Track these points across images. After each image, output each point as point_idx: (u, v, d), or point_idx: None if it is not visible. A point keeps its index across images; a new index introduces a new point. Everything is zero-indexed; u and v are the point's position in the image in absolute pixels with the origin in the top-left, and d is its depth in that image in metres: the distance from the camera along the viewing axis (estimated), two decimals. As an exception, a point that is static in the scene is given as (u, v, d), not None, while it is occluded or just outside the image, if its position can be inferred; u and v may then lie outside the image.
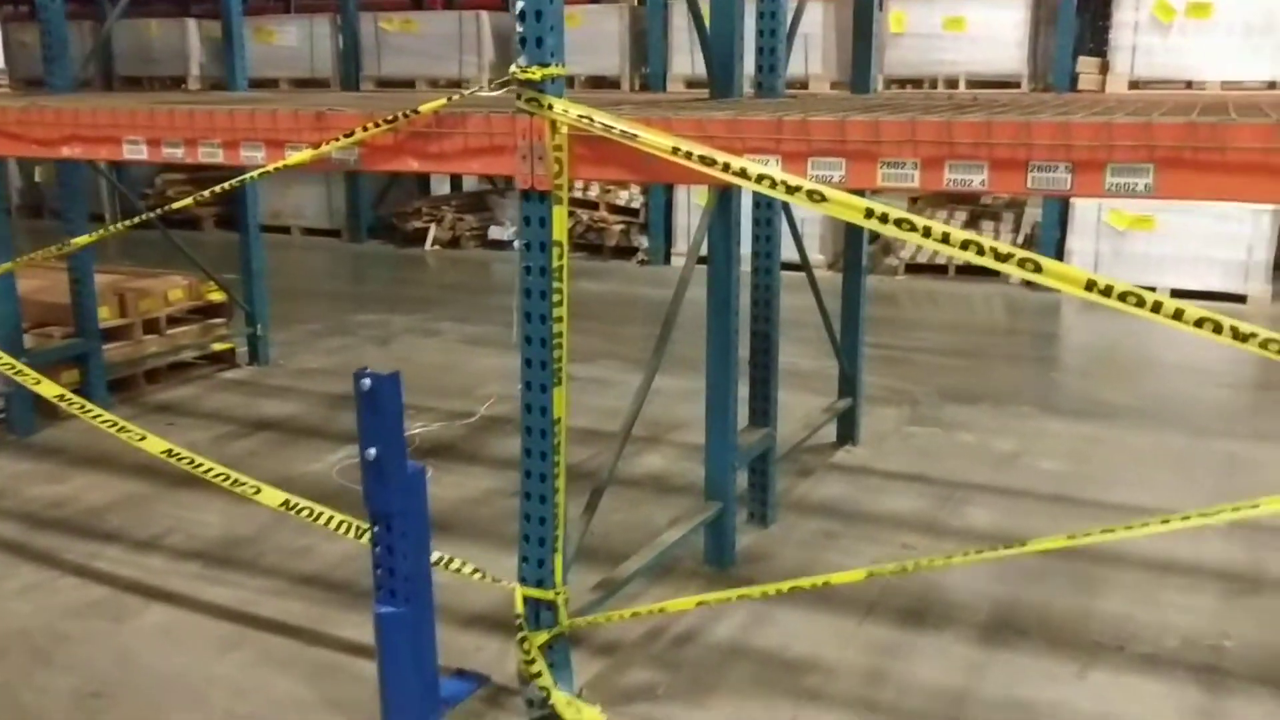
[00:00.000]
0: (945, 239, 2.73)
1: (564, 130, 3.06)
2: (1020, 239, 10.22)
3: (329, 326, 8.77)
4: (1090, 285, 2.57)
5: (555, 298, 3.15)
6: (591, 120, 3.01)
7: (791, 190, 2.82)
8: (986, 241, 2.72)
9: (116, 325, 6.72)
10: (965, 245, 2.72)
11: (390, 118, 3.29)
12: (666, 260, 11.32)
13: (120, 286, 6.88)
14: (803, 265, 5.42)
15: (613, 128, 3.00)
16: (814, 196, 2.80)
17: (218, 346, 7.43)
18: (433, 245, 12.49)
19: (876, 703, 3.51)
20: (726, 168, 2.88)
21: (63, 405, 4.12)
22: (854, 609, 4.06)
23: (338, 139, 3.38)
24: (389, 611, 3.26)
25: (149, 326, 6.93)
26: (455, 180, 14.79)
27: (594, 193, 11.63)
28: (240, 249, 7.54)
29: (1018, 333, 8.84)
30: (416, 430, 6.10)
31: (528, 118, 3.08)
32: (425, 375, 7.31)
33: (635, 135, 2.98)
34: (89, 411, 4.05)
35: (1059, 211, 9.91)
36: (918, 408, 6.53)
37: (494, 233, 12.40)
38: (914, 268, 10.59)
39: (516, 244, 11.78)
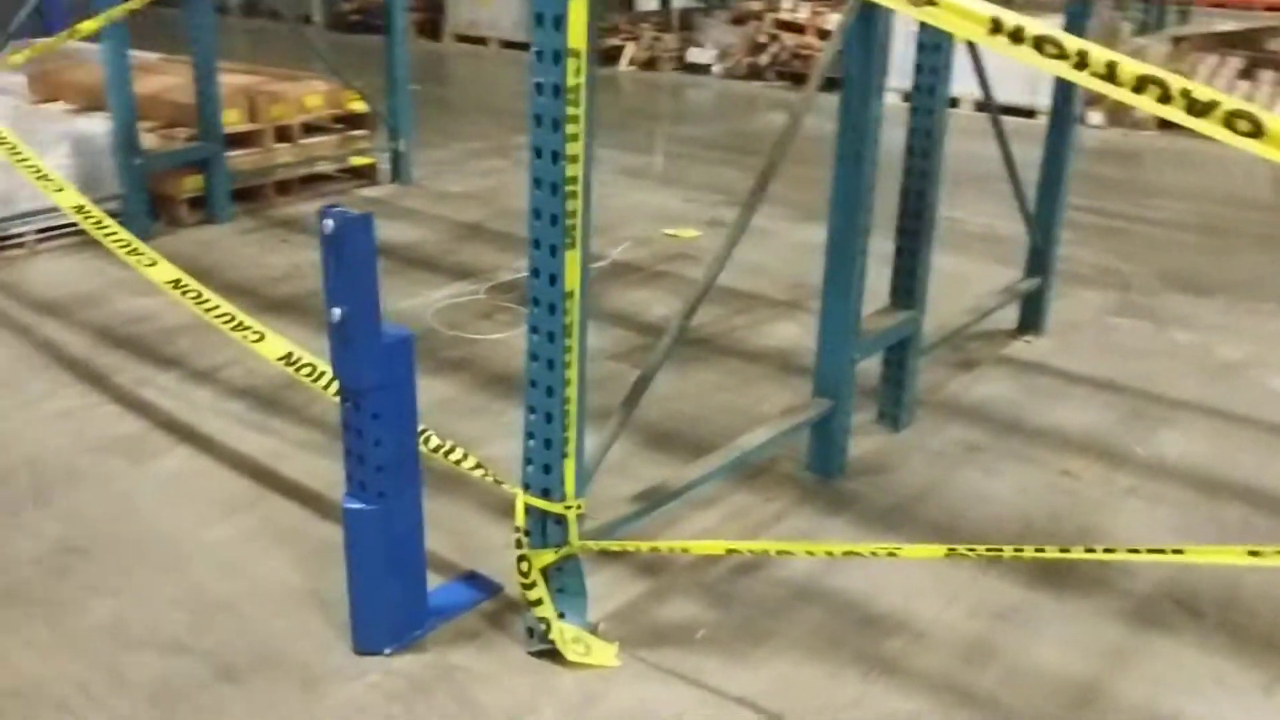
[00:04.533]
0: (1111, 74, 1.77)
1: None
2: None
3: (489, 146, 8.17)
4: (1335, 162, 1.57)
5: (570, 129, 2.35)
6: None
7: (882, -13, 1.89)
8: (1177, 83, 1.75)
9: (245, 131, 6.30)
10: (1140, 85, 1.75)
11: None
12: (877, 95, 10.09)
13: (253, 90, 6.43)
14: (985, 104, 4.35)
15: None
16: (913, -2, 1.87)
17: (356, 161, 6.95)
18: (628, 65, 11.62)
19: (970, 690, 2.68)
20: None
21: (77, 218, 3.66)
22: (976, 553, 3.20)
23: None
24: (357, 508, 2.66)
25: (281, 134, 6.48)
26: (665, -4, 13.72)
27: (803, 15, 10.43)
28: (385, 56, 6.94)
29: (1282, 209, 7.35)
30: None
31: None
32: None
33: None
34: (103, 227, 3.57)
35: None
36: (1128, 294, 5.37)
37: (692, 55, 11.43)
38: (1169, 122, 8.99)
39: (715, 68, 10.43)
